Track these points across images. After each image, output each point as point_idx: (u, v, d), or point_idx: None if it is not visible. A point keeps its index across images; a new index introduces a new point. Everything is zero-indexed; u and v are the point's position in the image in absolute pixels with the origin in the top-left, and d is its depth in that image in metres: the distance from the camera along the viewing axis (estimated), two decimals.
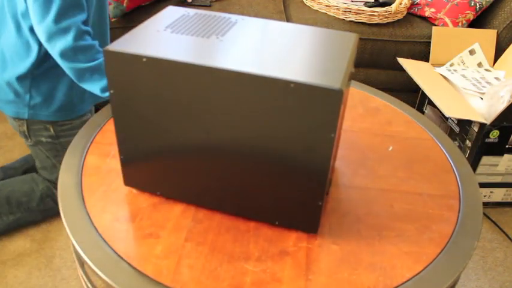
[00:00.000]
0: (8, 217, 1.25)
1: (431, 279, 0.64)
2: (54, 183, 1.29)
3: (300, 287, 0.61)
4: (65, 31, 0.98)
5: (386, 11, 1.64)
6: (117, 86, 0.64)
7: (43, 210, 1.30)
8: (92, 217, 0.70)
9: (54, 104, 1.14)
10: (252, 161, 0.64)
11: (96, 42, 1.03)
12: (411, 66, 1.57)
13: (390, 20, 1.67)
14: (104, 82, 1.03)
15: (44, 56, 1.08)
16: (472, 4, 1.66)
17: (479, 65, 1.63)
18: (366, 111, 1.02)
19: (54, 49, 0.99)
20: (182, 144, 0.66)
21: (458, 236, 0.71)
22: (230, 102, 0.60)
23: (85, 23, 1.04)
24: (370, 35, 1.64)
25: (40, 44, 1.07)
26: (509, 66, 1.58)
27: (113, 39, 1.41)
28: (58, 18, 0.97)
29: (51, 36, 0.98)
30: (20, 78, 1.10)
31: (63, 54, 1.00)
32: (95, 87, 1.04)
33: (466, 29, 1.65)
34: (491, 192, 1.48)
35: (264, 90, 0.57)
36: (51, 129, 1.19)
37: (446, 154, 0.90)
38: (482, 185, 1.46)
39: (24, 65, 1.09)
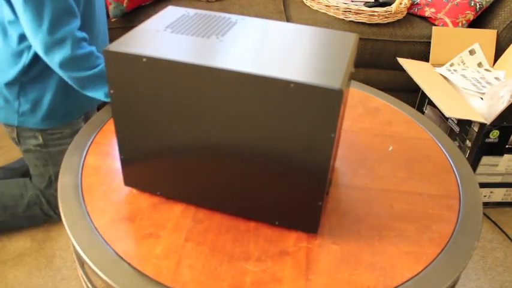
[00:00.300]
0: None
1: (431, 279, 0.64)
2: (43, 193, 1.27)
3: (300, 287, 0.61)
4: (61, 42, 0.96)
5: (386, 11, 1.64)
6: (117, 86, 0.64)
7: (29, 217, 1.29)
8: (92, 217, 0.70)
9: (41, 111, 1.13)
10: (252, 161, 0.64)
11: (94, 48, 1.02)
12: (411, 66, 1.57)
13: (390, 20, 1.67)
14: (107, 87, 1.03)
15: (31, 63, 1.07)
16: (472, 4, 1.66)
17: (479, 65, 1.63)
18: (366, 111, 1.02)
19: (53, 61, 0.99)
20: (182, 144, 0.66)
21: (458, 236, 0.71)
22: (230, 102, 0.60)
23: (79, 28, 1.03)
24: (370, 35, 1.64)
25: (28, 51, 1.06)
26: (509, 66, 1.58)
27: (113, 39, 1.41)
28: (52, 29, 0.95)
29: (48, 49, 0.97)
30: (9, 85, 1.09)
31: (63, 65, 0.99)
32: (99, 93, 1.03)
33: (466, 29, 1.65)
34: (491, 192, 1.48)
35: (264, 90, 0.57)
36: (40, 138, 1.18)
37: (446, 154, 0.90)
38: (482, 185, 1.46)
39: (12, 71, 1.08)
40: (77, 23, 0.99)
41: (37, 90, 1.11)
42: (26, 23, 0.96)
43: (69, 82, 1.03)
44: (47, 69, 1.09)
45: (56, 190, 1.26)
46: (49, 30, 0.95)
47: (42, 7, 0.93)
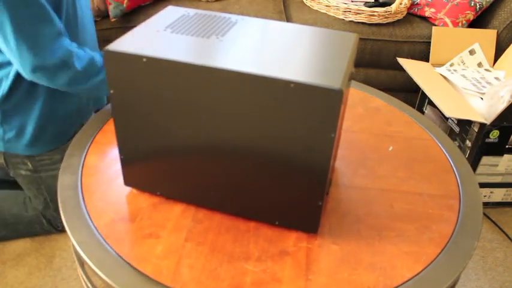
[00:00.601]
0: None
1: (431, 279, 0.64)
2: (43, 214, 1.25)
3: (300, 287, 0.61)
4: (61, 65, 0.94)
5: (386, 11, 1.64)
6: (117, 86, 0.64)
7: (30, 232, 1.28)
8: (92, 217, 0.70)
9: (26, 138, 1.10)
10: (252, 161, 0.64)
11: (89, 52, 1.00)
12: (411, 66, 1.57)
13: (390, 20, 1.67)
14: None
15: (11, 91, 1.04)
16: (472, 4, 1.66)
17: (479, 65, 1.63)
18: (366, 111, 1.02)
19: (60, 84, 0.96)
20: (182, 144, 0.66)
21: (458, 236, 0.71)
22: (230, 102, 0.60)
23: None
24: (370, 35, 1.64)
25: (6, 79, 1.03)
26: (509, 66, 1.58)
27: (112, 39, 1.41)
28: (50, 58, 0.92)
29: (51, 77, 0.94)
30: None
31: (70, 84, 0.97)
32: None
33: (466, 29, 1.65)
34: (491, 192, 1.48)
35: (264, 90, 0.57)
36: (29, 164, 1.15)
37: (446, 154, 0.90)
38: (482, 185, 1.46)
39: None
40: (66, 39, 0.96)
41: (20, 117, 1.08)
42: (23, 60, 0.92)
43: (84, 93, 1.01)
44: (28, 96, 1.06)
45: (55, 210, 1.25)
46: (46, 59, 0.92)
47: (35, 39, 0.90)
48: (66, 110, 1.12)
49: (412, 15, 1.77)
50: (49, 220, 1.27)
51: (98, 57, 1.02)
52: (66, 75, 0.96)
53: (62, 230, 1.30)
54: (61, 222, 1.27)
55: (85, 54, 0.99)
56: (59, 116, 1.11)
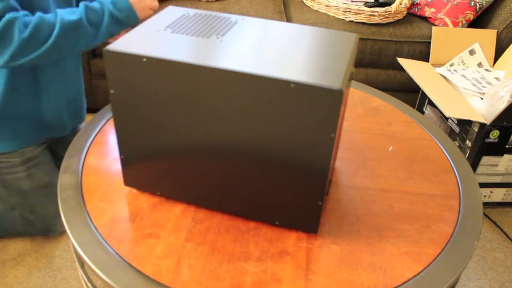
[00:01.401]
0: None
1: (431, 279, 0.64)
2: (24, 217, 1.20)
3: (300, 287, 0.61)
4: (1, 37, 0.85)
5: (386, 11, 1.64)
6: (117, 86, 0.64)
7: (22, 232, 1.26)
8: (92, 217, 0.70)
9: None
10: (252, 161, 0.64)
11: (32, 18, 0.88)
12: (411, 66, 1.57)
13: (390, 20, 1.67)
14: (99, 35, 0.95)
15: None
16: (472, 4, 1.66)
17: (479, 65, 1.63)
18: (366, 111, 1.02)
19: (6, 60, 0.89)
20: (182, 144, 0.66)
21: (458, 236, 0.71)
22: (230, 102, 0.60)
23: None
24: (370, 35, 1.64)
25: None
26: (509, 66, 1.58)
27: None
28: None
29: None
30: None
31: (17, 56, 0.88)
32: (103, 33, 0.96)
33: (466, 29, 1.65)
34: (491, 192, 1.48)
35: (264, 90, 0.57)
36: None
37: (446, 154, 0.90)
38: (482, 185, 1.46)
39: None
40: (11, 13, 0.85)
41: None
42: None
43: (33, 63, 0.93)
44: None
45: (32, 213, 1.21)
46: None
47: None
48: (27, 110, 1.06)
49: (412, 15, 1.77)
50: (31, 222, 1.23)
51: (47, 18, 0.90)
52: (8, 49, 0.87)
53: (53, 235, 1.28)
54: (46, 225, 1.25)
55: (31, 18, 0.88)
56: (18, 114, 1.05)
